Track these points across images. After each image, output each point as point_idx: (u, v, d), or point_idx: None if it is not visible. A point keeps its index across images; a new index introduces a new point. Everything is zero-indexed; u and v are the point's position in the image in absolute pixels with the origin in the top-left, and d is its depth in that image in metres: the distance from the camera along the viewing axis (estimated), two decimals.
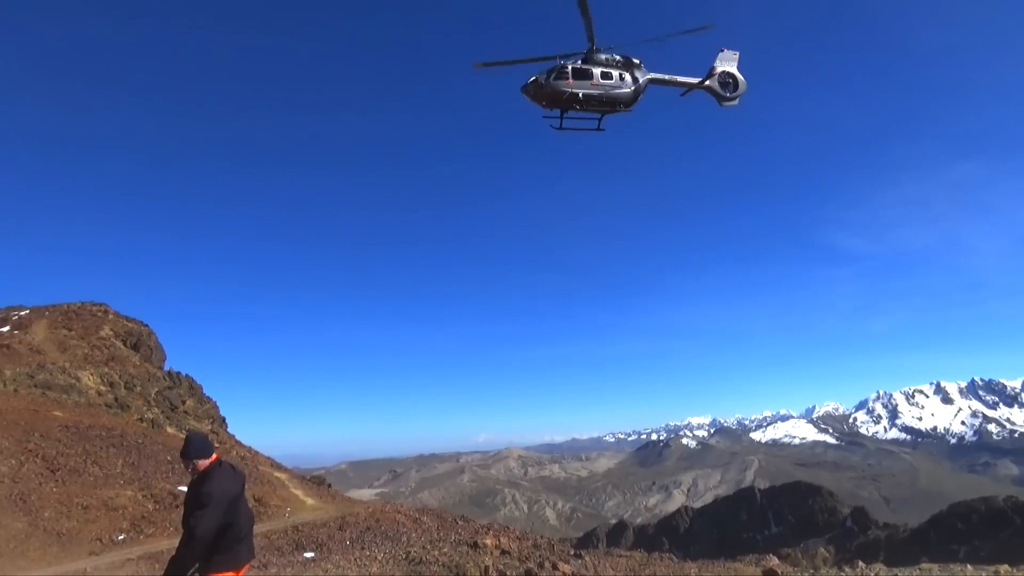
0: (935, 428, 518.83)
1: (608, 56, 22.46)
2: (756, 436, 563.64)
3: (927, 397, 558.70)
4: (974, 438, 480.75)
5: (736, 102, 25.31)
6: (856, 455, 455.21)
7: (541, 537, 30.83)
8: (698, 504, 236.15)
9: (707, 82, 24.71)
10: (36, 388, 39.42)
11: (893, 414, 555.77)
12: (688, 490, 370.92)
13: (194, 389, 52.57)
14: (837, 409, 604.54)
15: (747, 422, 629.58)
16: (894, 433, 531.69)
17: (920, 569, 14.15)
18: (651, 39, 22.82)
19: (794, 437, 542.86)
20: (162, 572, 6.47)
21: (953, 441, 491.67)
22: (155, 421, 41.57)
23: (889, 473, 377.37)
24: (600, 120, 23.14)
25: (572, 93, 21.74)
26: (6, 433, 28.74)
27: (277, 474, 38.81)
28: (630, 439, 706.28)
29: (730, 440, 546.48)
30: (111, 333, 53.99)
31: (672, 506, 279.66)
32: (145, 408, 43.83)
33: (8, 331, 50.87)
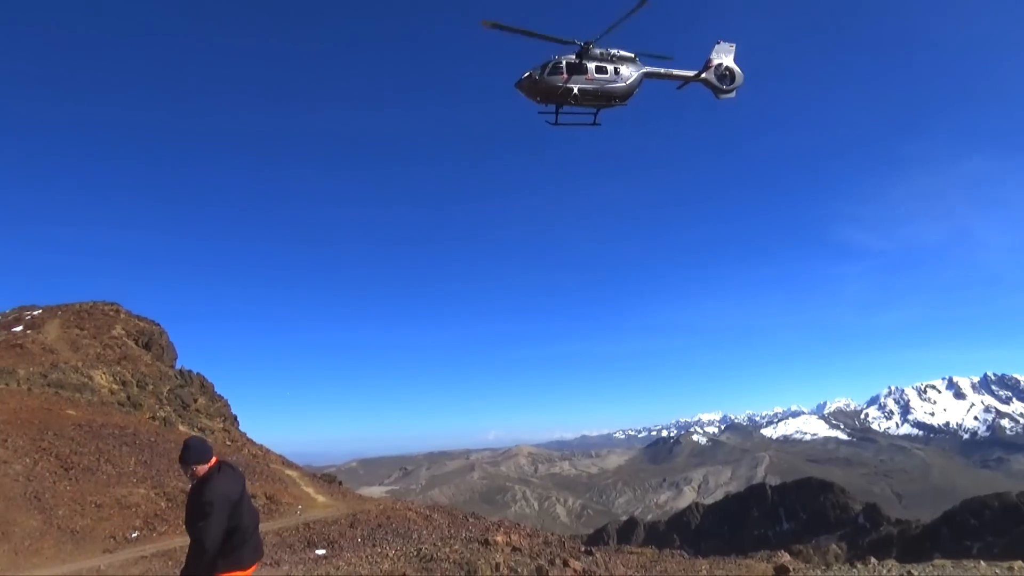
0: (947, 423, 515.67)
1: (603, 50, 22.22)
2: (767, 432, 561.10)
3: (939, 392, 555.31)
4: (987, 433, 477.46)
5: (733, 94, 25.02)
6: (868, 451, 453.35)
7: (552, 534, 30.83)
8: (709, 501, 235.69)
9: (703, 75, 24.44)
10: (49, 387, 39.72)
11: (905, 410, 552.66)
12: (699, 487, 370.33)
13: (205, 387, 52.82)
14: (848, 405, 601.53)
15: (758, 418, 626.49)
16: (906, 429, 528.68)
17: (933, 565, 14.05)
18: (613, 26, 22.02)
19: (805, 433, 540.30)
20: None
21: (966, 436, 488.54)
22: (167, 419, 41.83)
23: (901, 469, 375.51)
24: (596, 115, 23.00)
25: (567, 88, 21.57)
26: (20, 432, 28.98)
27: (288, 472, 38.92)
28: (640, 436, 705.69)
29: (741, 436, 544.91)
30: (123, 332, 54.30)
31: (683, 503, 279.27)
32: (157, 407, 44.09)
33: (21, 331, 51.25)
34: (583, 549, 23.68)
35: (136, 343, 54.38)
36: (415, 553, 20.38)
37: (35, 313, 56.28)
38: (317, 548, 22.55)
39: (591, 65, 21.92)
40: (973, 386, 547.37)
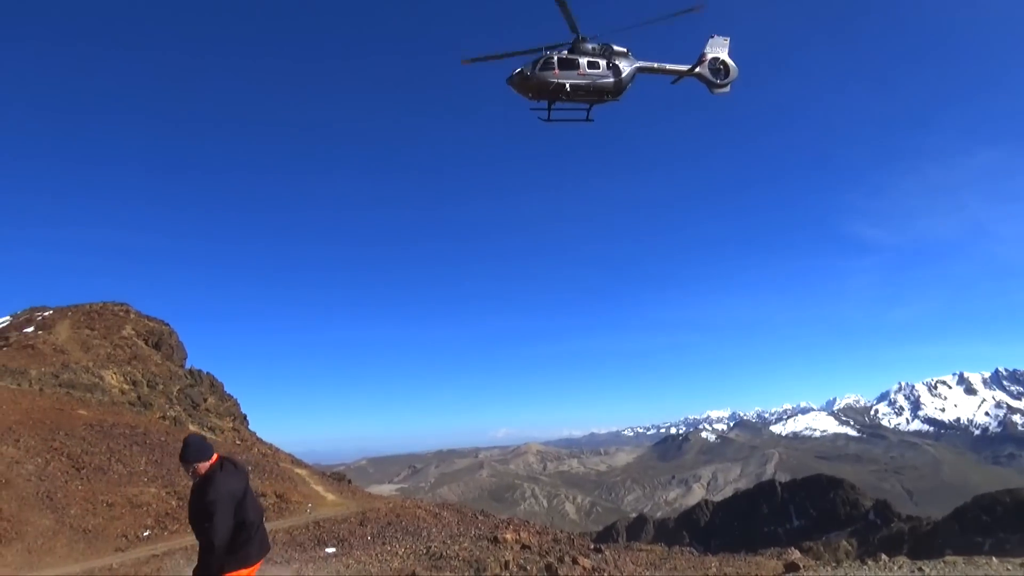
0: (958, 419, 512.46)
1: (594, 45, 22.00)
2: (776, 429, 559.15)
3: (950, 388, 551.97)
4: (998, 429, 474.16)
5: (727, 89, 24.61)
6: (878, 447, 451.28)
7: (561, 531, 30.85)
8: (718, 498, 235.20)
9: (697, 69, 24.02)
10: (60, 387, 40.01)
11: (915, 406, 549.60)
12: (708, 484, 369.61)
13: (215, 387, 53.08)
14: (858, 401, 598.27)
15: (767, 415, 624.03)
16: (916, 425, 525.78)
17: (945, 562, 13.99)
18: (638, 24, 22.33)
19: (815, 430, 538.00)
20: None
21: (977, 432, 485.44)
22: (177, 419, 42.07)
23: (912, 465, 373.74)
24: (588, 110, 22.75)
25: (559, 84, 21.35)
26: (32, 432, 29.19)
27: (298, 470, 39.06)
28: (649, 433, 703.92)
29: (750, 433, 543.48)
30: (133, 332, 54.59)
31: (692, 500, 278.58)
32: (167, 406, 44.35)
33: (32, 332, 51.60)
34: (592, 546, 23.68)
35: (146, 343, 54.67)
36: (425, 551, 20.43)
37: (46, 314, 56.65)
38: (327, 546, 22.61)
39: (583, 60, 21.70)
40: (984, 381, 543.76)
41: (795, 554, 24.46)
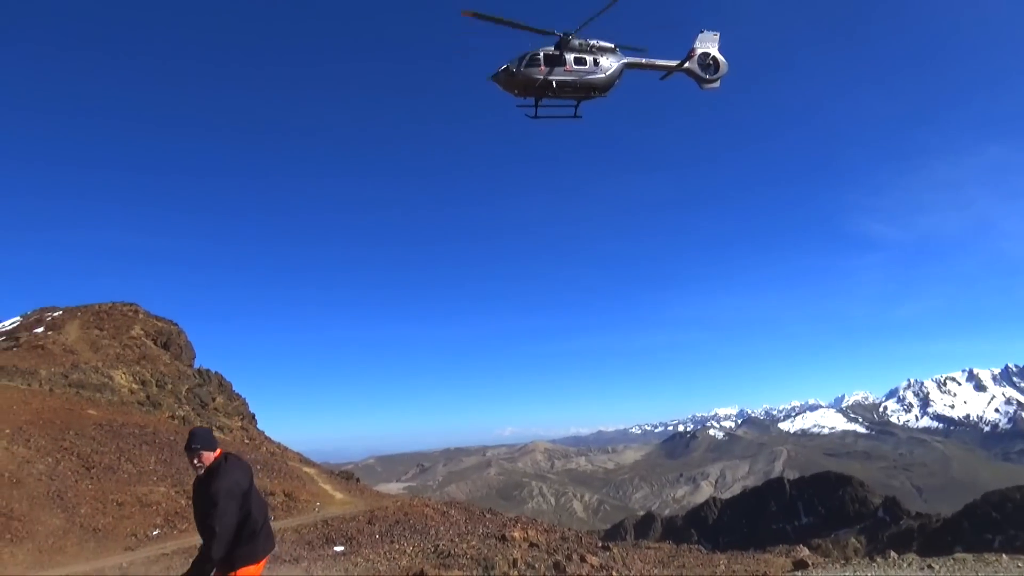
0: (968, 416, 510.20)
1: (582, 41, 21.79)
2: (784, 426, 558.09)
3: (959, 384, 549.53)
4: (1008, 426, 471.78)
5: (717, 84, 24.38)
6: (887, 444, 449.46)
7: (569, 529, 30.88)
8: (726, 495, 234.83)
9: (687, 64, 23.85)
10: (70, 387, 40.20)
11: (924, 402, 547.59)
12: (716, 481, 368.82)
13: (224, 386, 53.30)
14: (867, 398, 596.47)
15: (775, 412, 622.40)
16: (926, 422, 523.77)
17: (954, 559, 13.92)
18: (613, 16, 21.96)
19: (823, 427, 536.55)
20: (187, 571, 6.33)
21: (986, 429, 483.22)
22: (186, 418, 42.20)
23: (921, 462, 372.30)
24: (576, 107, 22.57)
25: (545, 80, 21.19)
26: (42, 432, 29.35)
27: (306, 469, 39.19)
28: (656, 431, 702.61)
29: (758, 431, 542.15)
30: (142, 332, 54.85)
31: (700, 498, 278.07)
32: (176, 406, 44.53)
33: (42, 332, 51.89)
34: (600, 544, 23.69)
35: (155, 343, 54.92)
36: (433, 549, 20.48)
37: (55, 314, 56.97)
38: (336, 545, 22.68)
39: (570, 56, 21.53)
40: (994, 378, 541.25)
41: (804, 551, 24.37)
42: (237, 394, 54.08)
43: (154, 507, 25.11)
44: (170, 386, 47.02)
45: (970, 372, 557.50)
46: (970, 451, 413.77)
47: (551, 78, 21.25)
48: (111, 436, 31.38)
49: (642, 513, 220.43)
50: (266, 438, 48.98)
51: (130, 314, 57.77)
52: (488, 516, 31.76)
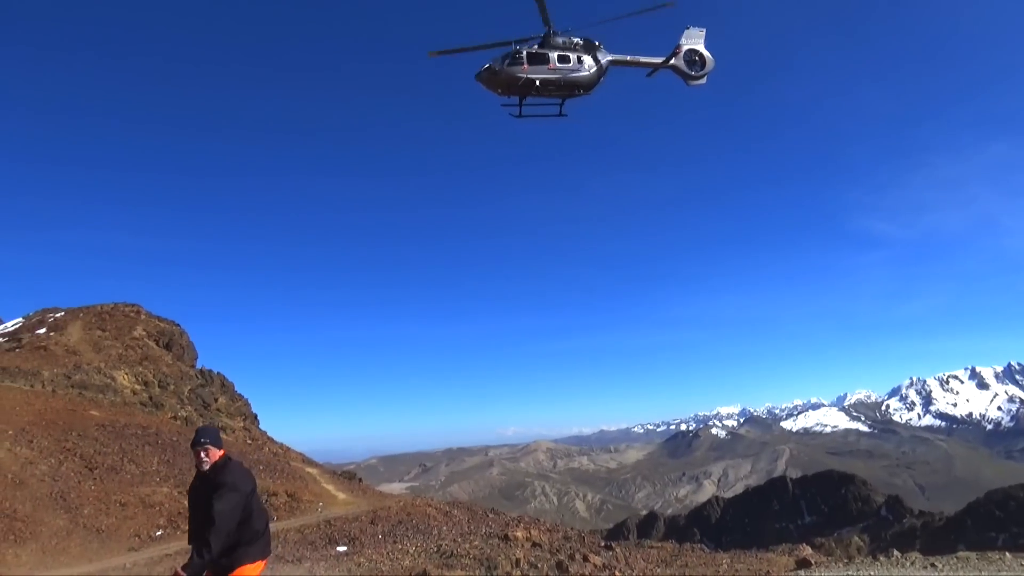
0: (970, 414, 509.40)
1: (565, 39, 21.67)
2: (787, 425, 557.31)
3: (962, 383, 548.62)
4: (1011, 424, 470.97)
5: (703, 80, 24.20)
6: (889, 443, 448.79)
7: (571, 529, 30.92)
8: (729, 494, 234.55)
9: (672, 61, 23.61)
10: (73, 388, 40.27)
11: (927, 400, 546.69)
12: (719, 480, 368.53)
13: (226, 386, 53.33)
14: (869, 396, 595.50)
15: (777, 411, 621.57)
16: (928, 420, 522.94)
17: (957, 558, 13.90)
18: (609, 19, 22.20)
19: (826, 425, 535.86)
20: (187, 561, 6.31)
21: (989, 427, 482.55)
22: (188, 419, 42.25)
23: (924, 461, 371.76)
24: (561, 105, 22.38)
25: (528, 79, 20.99)
26: (45, 433, 29.41)
27: (309, 469, 39.24)
28: (659, 430, 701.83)
29: (760, 430, 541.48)
30: (144, 333, 54.91)
31: (703, 497, 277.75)
32: (179, 406, 44.58)
33: (45, 333, 51.96)
34: (603, 544, 23.72)
35: (157, 343, 54.97)
36: (435, 549, 20.50)
37: (58, 315, 57.03)
38: (338, 545, 22.72)
39: (553, 55, 21.36)
40: (997, 376, 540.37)
41: (807, 550, 24.34)
42: (239, 395, 54.15)
43: (157, 508, 25.17)
44: (172, 387, 47.08)
45: (973, 370, 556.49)
46: (973, 449, 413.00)
47: (534, 76, 21.07)
48: (114, 437, 31.45)
49: (645, 512, 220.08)
50: (268, 438, 49.01)
51: (132, 315, 57.83)
52: (491, 516, 31.80)
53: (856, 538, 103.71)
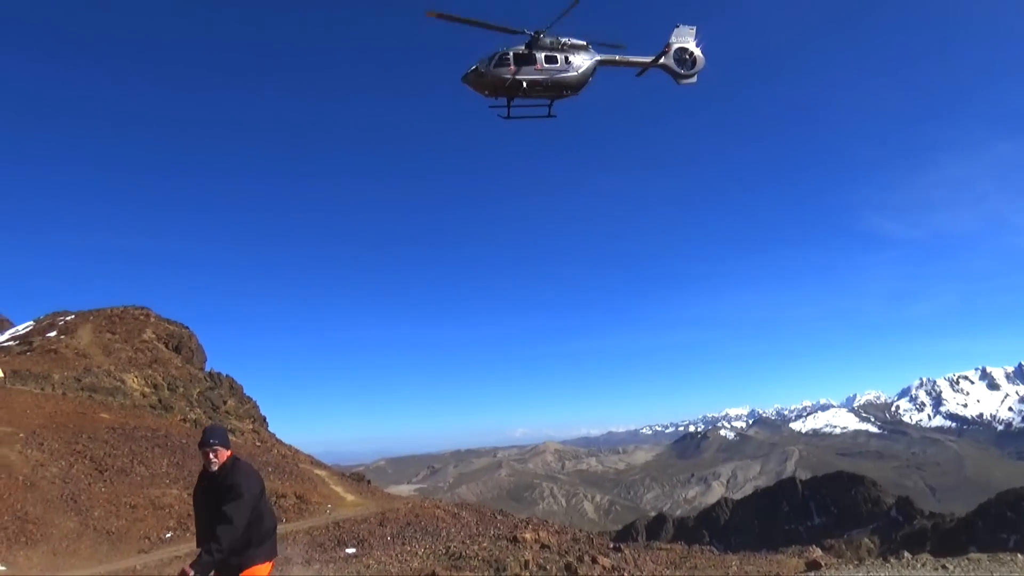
0: (981, 415, 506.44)
1: (553, 40, 21.38)
2: (796, 426, 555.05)
3: (972, 383, 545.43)
4: (1022, 424, 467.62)
5: (694, 79, 23.83)
6: (899, 444, 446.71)
7: (580, 531, 30.88)
8: (738, 496, 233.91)
9: (662, 60, 23.29)
10: (83, 391, 40.49)
11: (937, 401, 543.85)
12: (727, 482, 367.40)
13: (235, 389, 53.52)
14: (879, 397, 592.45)
15: (786, 412, 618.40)
16: (938, 421, 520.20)
17: (969, 559, 13.81)
18: (582, 11, 21.51)
19: (835, 427, 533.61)
20: (195, 559, 6.19)
21: (1000, 428, 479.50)
22: (198, 421, 42.39)
23: (934, 462, 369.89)
24: (550, 106, 22.20)
25: (515, 80, 20.79)
26: (56, 435, 29.58)
27: (317, 471, 39.30)
28: (667, 431, 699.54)
29: (769, 431, 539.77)
30: (153, 336, 55.19)
31: (712, 498, 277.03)
32: (188, 409, 44.75)
33: (55, 336, 52.32)
34: (612, 545, 23.68)
35: (166, 346, 55.25)
36: (444, 551, 20.51)
37: (68, 319, 57.44)
38: (347, 547, 22.76)
39: (540, 55, 21.15)
40: (1007, 376, 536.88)
41: (817, 552, 24.31)
42: (248, 397, 54.34)
43: (167, 510, 25.26)
44: (182, 389, 47.29)
45: (983, 370, 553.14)
46: (984, 450, 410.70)
47: (521, 78, 20.89)
48: (124, 439, 31.59)
49: (653, 514, 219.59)
50: (277, 440, 49.13)
51: (141, 318, 58.16)
52: (499, 517, 31.78)
53: (866, 540, 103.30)
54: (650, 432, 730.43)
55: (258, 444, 44.76)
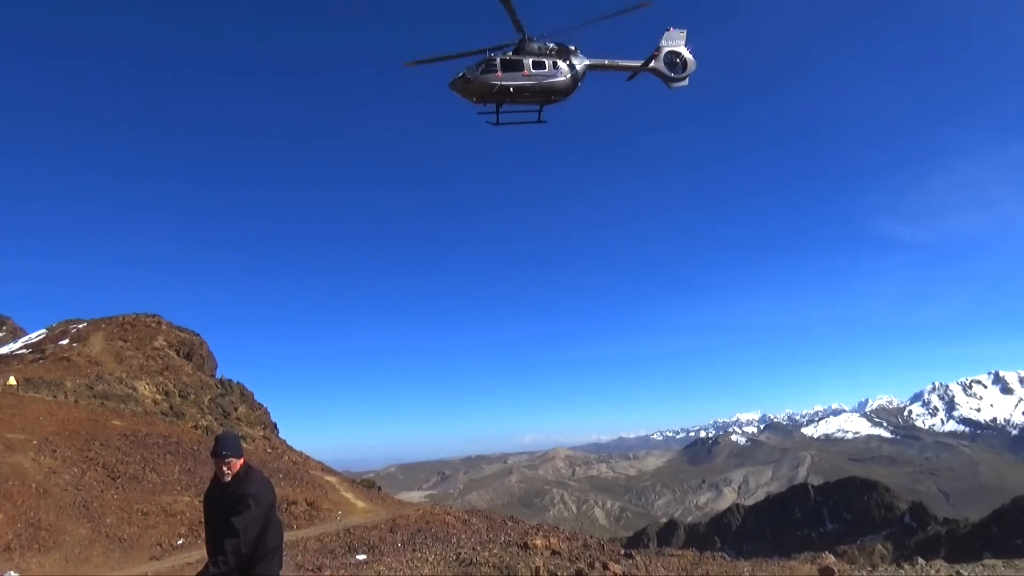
0: (995, 419, 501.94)
1: (540, 45, 21.38)
2: (808, 431, 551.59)
3: (985, 387, 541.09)
4: None
5: (685, 83, 23.88)
6: (912, 449, 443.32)
7: (591, 537, 30.73)
8: (750, 502, 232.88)
9: (652, 63, 23.44)
10: (95, 398, 40.74)
11: (950, 406, 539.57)
12: (739, 488, 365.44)
13: (245, 396, 53.72)
14: (891, 402, 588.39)
15: (798, 417, 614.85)
16: (951, 425, 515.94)
17: (983, 565, 13.71)
18: (588, 23, 21.78)
19: (847, 432, 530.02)
20: (202, 569, 6.18)
21: (1014, 432, 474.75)
22: (209, 428, 42.57)
23: (947, 467, 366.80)
24: (540, 112, 22.18)
25: (503, 86, 20.78)
26: (68, 443, 29.74)
27: (328, 478, 39.35)
28: (678, 437, 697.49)
29: (781, 436, 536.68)
30: (165, 343, 55.50)
31: (723, 504, 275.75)
32: (199, 416, 44.96)
33: (67, 344, 52.64)
34: (623, 552, 23.56)
35: (177, 353, 55.54)
36: (455, 557, 20.46)
37: (80, 326, 57.81)
38: (358, 553, 22.74)
39: (528, 61, 21.12)
40: (1021, 380, 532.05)
41: (829, 558, 24.10)
42: (259, 403, 54.52)
43: (178, 516, 25.33)
44: (193, 396, 47.52)
45: (996, 374, 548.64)
46: (998, 455, 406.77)
47: (508, 84, 20.89)
48: (136, 446, 31.75)
49: (664, 520, 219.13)
50: (288, 447, 49.25)
51: (153, 325, 58.51)
52: (510, 524, 31.71)
53: (879, 546, 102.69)
54: (661, 438, 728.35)
55: (269, 451, 44.87)
